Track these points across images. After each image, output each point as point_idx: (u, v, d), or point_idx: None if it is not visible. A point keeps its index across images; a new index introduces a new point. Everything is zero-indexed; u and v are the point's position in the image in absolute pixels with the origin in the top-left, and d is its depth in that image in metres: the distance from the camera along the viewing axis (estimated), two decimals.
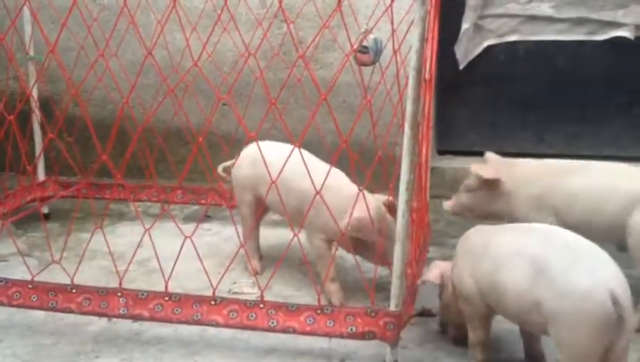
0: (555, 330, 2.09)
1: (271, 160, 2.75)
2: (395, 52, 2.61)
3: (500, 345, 2.66)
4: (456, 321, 2.61)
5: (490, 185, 2.99)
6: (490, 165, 3.06)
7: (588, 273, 2.04)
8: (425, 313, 2.91)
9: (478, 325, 2.46)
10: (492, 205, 3.01)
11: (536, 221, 2.66)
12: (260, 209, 3.18)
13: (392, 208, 2.77)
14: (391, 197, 2.80)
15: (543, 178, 2.90)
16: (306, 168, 2.62)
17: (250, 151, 3.04)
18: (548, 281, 2.09)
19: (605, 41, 4.27)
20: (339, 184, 2.91)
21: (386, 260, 2.77)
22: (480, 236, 2.48)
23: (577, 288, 2.02)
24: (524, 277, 2.16)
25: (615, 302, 1.97)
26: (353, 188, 2.83)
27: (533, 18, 4.32)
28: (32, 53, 3.80)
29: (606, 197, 2.72)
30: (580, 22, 4.27)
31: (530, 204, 2.87)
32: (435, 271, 2.61)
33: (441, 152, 4.63)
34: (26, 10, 3.77)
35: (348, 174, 2.96)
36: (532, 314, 2.15)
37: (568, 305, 2.03)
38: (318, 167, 2.90)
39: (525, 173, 2.98)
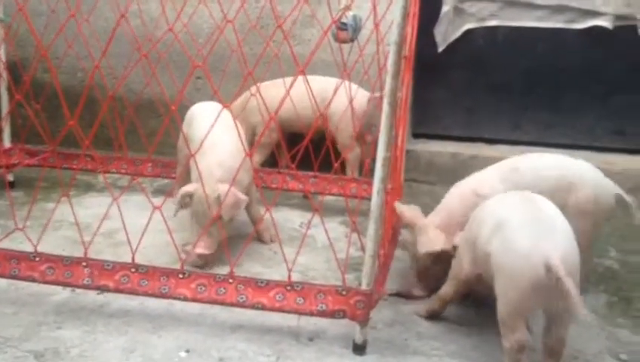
0: (496, 282, 2.29)
1: (196, 117, 3.39)
2: (376, 27, 2.56)
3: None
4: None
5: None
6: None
7: (534, 238, 2.20)
8: (403, 294, 2.90)
9: (454, 283, 2.62)
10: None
11: None
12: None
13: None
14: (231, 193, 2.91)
15: None
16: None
17: (190, 110, 3.54)
18: (500, 237, 2.29)
19: (584, 30, 4.26)
20: (217, 152, 3.08)
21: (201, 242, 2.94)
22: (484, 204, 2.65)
23: (518, 247, 2.21)
24: (487, 231, 2.37)
25: (548, 270, 2.10)
26: (224, 161, 3.05)
27: (513, 3, 4.29)
28: (1, 14, 3.68)
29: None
30: (559, 9, 4.25)
31: None
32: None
33: (417, 135, 4.60)
34: None
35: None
36: (487, 265, 2.35)
37: (508, 261, 2.23)
38: (222, 133, 3.07)
39: None
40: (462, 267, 2.57)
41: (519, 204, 2.39)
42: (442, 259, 2.80)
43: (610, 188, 2.89)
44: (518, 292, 2.21)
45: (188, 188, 3.02)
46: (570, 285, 2.06)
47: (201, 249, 2.95)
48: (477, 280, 2.53)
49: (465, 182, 2.98)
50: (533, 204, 2.38)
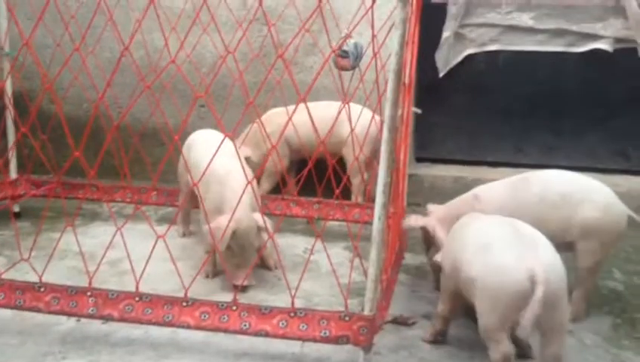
0: (478, 300, 2.35)
1: (197, 144, 3.33)
2: (374, 55, 2.59)
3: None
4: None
5: None
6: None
7: (516, 254, 2.28)
8: (400, 321, 2.89)
9: (446, 299, 2.67)
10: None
11: None
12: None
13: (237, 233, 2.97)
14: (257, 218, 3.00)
15: None
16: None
17: (190, 137, 3.51)
18: (484, 257, 2.35)
19: (583, 53, 4.30)
20: (229, 178, 3.07)
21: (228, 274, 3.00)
22: (460, 222, 2.74)
23: (502, 263, 2.28)
24: (470, 255, 2.43)
25: (533, 281, 2.17)
26: (238, 188, 2.94)
27: (513, 28, 4.34)
28: (7, 48, 3.73)
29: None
30: (559, 33, 4.30)
31: None
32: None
33: (420, 160, 4.62)
34: (2, 5, 3.71)
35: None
36: (471, 287, 2.39)
37: (491, 278, 2.29)
38: (231, 161, 3.05)
39: None
40: (445, 282, 2.67)
41: (499, 226, 2.47)
42: (425, 242, 3.15)
43: (622, 208, 2.87)
44: (503, 305, 2.26)
45: (228, 224, 2.89)
46: (539, 296, 2.15)
47: (246, 281, 3.01)
48: (460, 294, 2.59)
49: (480, 188, 3.12)
50: (512, 225, 2.46)
